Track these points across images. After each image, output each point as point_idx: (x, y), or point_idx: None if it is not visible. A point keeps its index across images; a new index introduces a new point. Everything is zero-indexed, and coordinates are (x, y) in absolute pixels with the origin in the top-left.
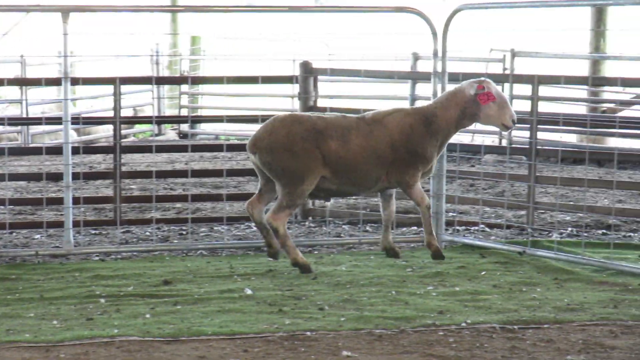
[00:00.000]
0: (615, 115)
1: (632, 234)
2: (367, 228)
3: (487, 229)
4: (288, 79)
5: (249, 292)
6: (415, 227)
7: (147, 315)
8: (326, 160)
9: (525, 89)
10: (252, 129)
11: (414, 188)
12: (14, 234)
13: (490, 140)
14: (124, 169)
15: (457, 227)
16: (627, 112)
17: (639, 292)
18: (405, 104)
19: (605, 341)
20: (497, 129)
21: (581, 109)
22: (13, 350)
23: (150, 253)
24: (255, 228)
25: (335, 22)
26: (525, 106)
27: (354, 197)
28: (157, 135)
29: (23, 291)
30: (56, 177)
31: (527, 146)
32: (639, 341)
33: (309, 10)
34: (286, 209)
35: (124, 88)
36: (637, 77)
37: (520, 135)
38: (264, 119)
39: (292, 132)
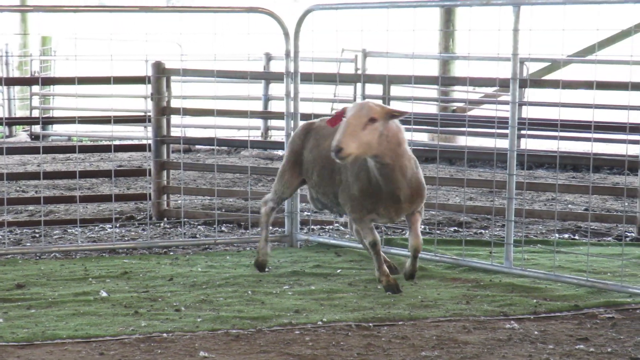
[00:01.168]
0: (465, 114)
1: (482, 231)
2: (223, 228)
3: (341, 228)
4: (140, 80)
5: (104, 294)
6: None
7: (0, 320)
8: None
9: (377, 89)
10: (104, 130)
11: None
12: None
13: None
14: None
15: (312, 227)
16: (476, 111)
17: (491, 288)
18: (259, 105)
19: (458, 337)
20: None
21: (432, 109)
22: None
23: (2, 256)
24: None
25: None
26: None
27: (208, 198)
28: (8, 137)
29: None
30: None
31: None
32: (491, 336)
33: (160, 11)
34: None
35: None
36: (485, 77)
37: None
38: (116, 119)
39: None
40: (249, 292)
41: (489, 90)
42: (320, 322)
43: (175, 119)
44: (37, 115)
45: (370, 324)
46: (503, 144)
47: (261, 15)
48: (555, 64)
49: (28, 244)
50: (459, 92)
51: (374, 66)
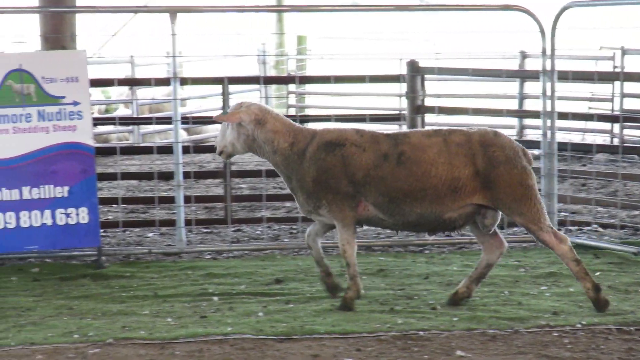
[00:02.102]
0: None
1: None
2: None
3: (600, 229)
4: (395, 78)
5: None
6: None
7: (260, 314)
8: None
9: (636, 87)
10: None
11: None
12: (127, 232)
13: (602, 139)
14: (233, 168)
15: (570, 227)
16: None
17: None
18: (514, 103)
19: None
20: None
21: None
22: (129, 347)
23: (261, 252)
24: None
25: (441, 20)
26: (636, 104)
27: None
28: None
29: (137, 289)
30: (167, 176)
31: None
32: None
33: (414, 9)
34: None
35: (232, 88)
36: None
37: (633, 134)
38: (371, 118)
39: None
40: (506, 292)
41: None
42: (579, 325)
43: (429, 118)
44: (294, 114)
45: (632, 328)
46: None
47: (516, 12)
48: None
49: (286, 240)
50: None
51: (632, 64)
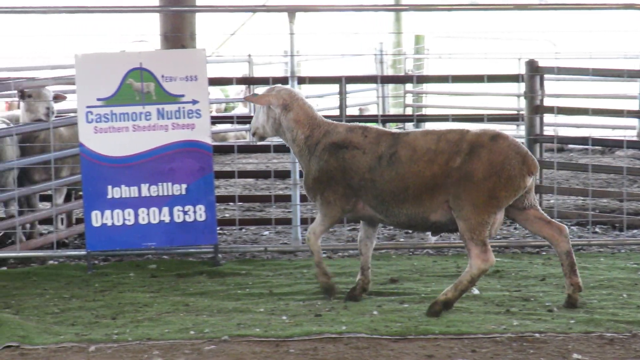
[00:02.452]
0: None
1: None
2: (597, 229)
3: None
4: (514, 78)
5: (476, 292)
6: None
7: (375, 313)
8: None
9: None
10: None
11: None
12: (243, 230)
13: None
14: None
15: None
16: None
17: None
18: (634, 104)
19: None
20: None
21: None
22: (243, 344)
23: (376, 251)
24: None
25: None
26: None
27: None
28: None
29: (253, 286)
30: (283, 174)
31: None
32: None
33: (534, 8)
34: None
35: (349, 87)
36: None
37: None
38: (489, 118)
39: None
40: (624, 295)
41: None
42: None
43: (548, 118)
44: (411, 113)
45: None
46: None
47: (638, 11)
48: None
49: (402, 240)
50: None
51: None
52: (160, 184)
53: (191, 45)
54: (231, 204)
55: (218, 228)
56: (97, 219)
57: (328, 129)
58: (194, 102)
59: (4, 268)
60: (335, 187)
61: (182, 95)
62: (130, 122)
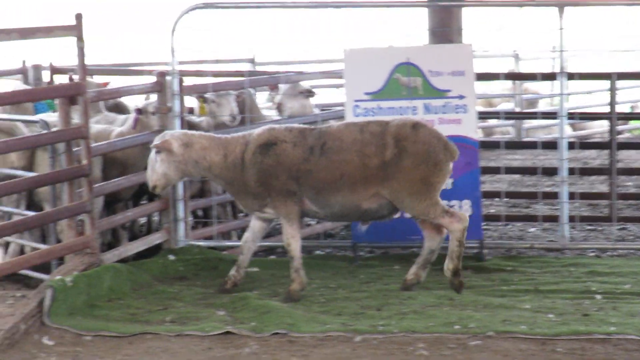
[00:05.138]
0: None
1: None
2: None
3: None
4: None
5: None
6: None
7: None
8: None
9: None
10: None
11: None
12: (509, 226)
13: None
14: (619, 165)
15: None
16: None
17: None
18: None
19: None
20: None
21: None
22: (509, 341)
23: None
24: None
25: None
26: None
27: None
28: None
29: (518, 283)
30: (551, 171)
31: None
32: None
33: None
34: None
35: (620, 83)
36: None
37: None
38: None
39: None
40: None
41: None
42: None
43: None
44: None
45: None
46: None
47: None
48: None
49: None
50: None
51: None
52: None
53: (458, 40)
54: (496, 199)
55: (483, 223)
56: None
57: (246, 139)
58: (461, 97)
59: (273, 257)
60: (277, 183)
61: (449, 90)
62: (396, 117)
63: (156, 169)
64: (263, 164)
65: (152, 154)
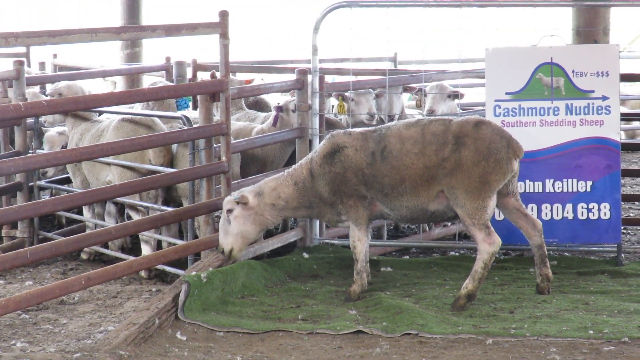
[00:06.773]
0: None
1: None
2: None
3: None
4: None
5: None
6: None
7: None
8: None
9: None
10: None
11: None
12: None
13: None
14: None
15: None
16: None
17: None
18: None
19: None
20: None
21: None
22: None
23: None
24: None
25: None
26: None
27: None
28: None
29: None
30: None
31: None
32: None
33: None
34: None
35: None
36: None
37: None
38: None
39: None
40: None
41: None
42: None
43: None
44: None
45: None
46: None
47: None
48: None
49: None
50: None
51: None
52: (565, 180)
53: (604, 40)
54: (636, 203)
55: (622, 227)
56: (497, 213)
57: (307, 158)
58: (604, 98)
59: (407, 257)
60: (348, 190)
61: (592, 91)
62: (537, 116)
63: (230, 231)
64: (331, 173)
65: (222, 218)
